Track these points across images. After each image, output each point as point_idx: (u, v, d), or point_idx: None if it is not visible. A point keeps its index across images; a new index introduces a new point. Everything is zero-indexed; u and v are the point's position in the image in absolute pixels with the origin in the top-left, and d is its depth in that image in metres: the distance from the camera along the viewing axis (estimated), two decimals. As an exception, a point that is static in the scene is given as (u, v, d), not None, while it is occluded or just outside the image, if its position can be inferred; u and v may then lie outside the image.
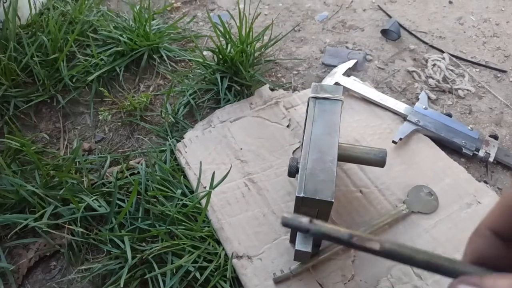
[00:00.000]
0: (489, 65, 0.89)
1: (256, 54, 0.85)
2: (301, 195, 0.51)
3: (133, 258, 0.60)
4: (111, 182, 0.71)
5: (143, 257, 0.59)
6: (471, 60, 0.90)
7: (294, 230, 0.58)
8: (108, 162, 0.73)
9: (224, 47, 0.82)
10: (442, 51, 0.92)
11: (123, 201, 0.68)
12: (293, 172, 0.58)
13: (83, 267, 0.62)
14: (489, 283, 0.23)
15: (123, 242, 0.62)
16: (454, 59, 0.91)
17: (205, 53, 0.90)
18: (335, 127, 0.58)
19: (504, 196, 0.27)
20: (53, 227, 0.66)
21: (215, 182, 0.68)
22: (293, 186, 0.70)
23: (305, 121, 0.67)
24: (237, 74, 0.82)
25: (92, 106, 0.85)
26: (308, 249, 0.55)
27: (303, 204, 0.52)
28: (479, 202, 0.66)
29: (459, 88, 0.85)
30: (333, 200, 0.51)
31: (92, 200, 0.67)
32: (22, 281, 0.64)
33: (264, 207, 0.68)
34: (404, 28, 0.97)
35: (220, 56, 0.82)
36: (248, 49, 0.81)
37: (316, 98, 0.62)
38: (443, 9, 1.02)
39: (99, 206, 0.67)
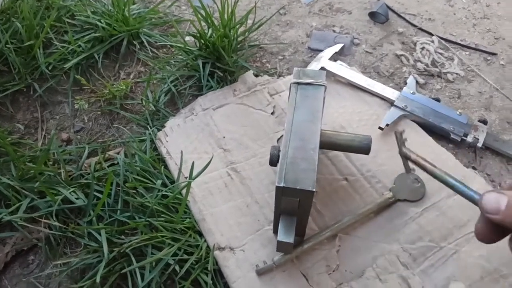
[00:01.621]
0: (479, 47, 0.87)
1: (239, 39, 0.83)
2: (281, 184, 0.49)
3: (111, 251, 0.58)
4: (89, 174, 0.68)
5: (122, 251, 0.57)
6: (461, 43, 0.88)
7: (277, 219, 0.56)
8: (86, 152, 0.71)
9: (206, 32, 0.79)
10: (431, 34, 0.90)
11: (101, 192, 0.66)
12: (274, 161, 0.56)
13: (60, 262, 0.60)
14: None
15: (101, 235, 0.60)
16: (443, 42, 0.88)
17: (187, 38, 0.87)
18: (318, 114, 0.56)
19: None
20: (30, 221, 0.64)
21: (196, 172, 0.66)
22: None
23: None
24: (219, 59, 0.79)
25: (70, 95, 0.82)
26: (291, 240, 0.53)
27: (284, 194, 0.50)
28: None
29: (448, 72, 0.83)
30: (314, 190, 0.49)
31: (70, 192, 0.65)
32: (-2, 277, 0.63)
33: (247, 197, 0.66)
34: (393, 11, 0.95)
35: (202, 42, 0.79)
36: (230, 33, 0.79)
37: (298, 83, 0.60)
38: (433, -10, 0.99)
39: (76, 199, 0.64)
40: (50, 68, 0.83)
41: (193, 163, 0.64)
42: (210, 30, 0.78)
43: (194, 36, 0.79)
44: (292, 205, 0.53)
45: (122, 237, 0.61)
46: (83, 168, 0.70)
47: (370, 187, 0.66)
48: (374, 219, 0.63)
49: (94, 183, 0.65)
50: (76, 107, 0.78)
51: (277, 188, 0.50)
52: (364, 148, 0.60)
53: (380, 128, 0.71)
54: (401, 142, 0.58)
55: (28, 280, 0.62)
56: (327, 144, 0.60)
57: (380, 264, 0.59)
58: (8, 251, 0.64)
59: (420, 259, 0.59)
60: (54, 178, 0.67)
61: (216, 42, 0.75)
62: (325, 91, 0.60)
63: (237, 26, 0.79)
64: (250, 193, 0.66)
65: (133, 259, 0.57)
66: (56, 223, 0.61)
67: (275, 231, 0.61)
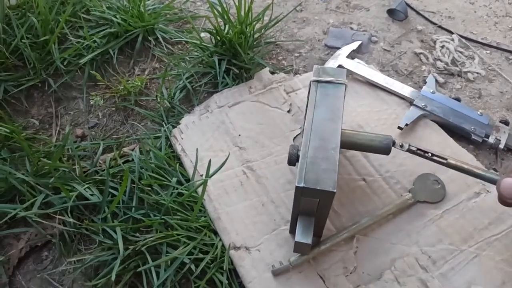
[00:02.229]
0: (501, 46, 0.84)
1: (255, 36, 0.81)
2: (301, 185, 0.48)
3: (126, 249, 0.57)
4: (104, 170, 0.68)
5: (137, 248, 0.57)
6: (482, 42, 0.85)
7: (295, 219, 0.55)
8: (101, 148, 0.70)
9: (222, 28, 0.78)
10: (451, 32, 0.88)
11: (116, 189, 0.66)
12: (293, 160, 0.54)
13: (75, 259, 0.60)
14: None
15: (116, 232, 0.60)
16: (463, 40, 0.86)
17: (202, 34, 0.86)
18: (338, 113, 0.55)
19: None
20: (44, 217, 0.64)
21: (212, 170, 0.65)
22: (294, 174, 0.67)
23: (307, 106, 0.63)
24: (235, 56, 0.78)
25: (85, 91, 0.81)
26: (309, 240, 0.52)
27: (303, 195, 0.49)
28: (488, 191, 0.63)
29: (469, 71, 0.81)
30: (335, 191, 0.48)
31: (84, 189, 0.64)
32: (13, 272, 0.62)
33: (263, 196, 0.65)
34: (412, 8, 0.93)
35: (218, 38, 0.78)
36: (247, 30, 0.77)
37: (318, 81, 0.58)
38: (452, -12, 0.97)
39: (91, 195, 0.64)
40: (65, 63, 0.83)
41: (209, 161, 0.63)
42: (227, 26, 0.77)
43: (210, 32, 0.78)
44: (311, 206, 0.52)
45: (137, 234, 0.60)
46: (98, 164, 0.69)
47: (388, 187, 0.65)
48: (393, 220, 0.62)
49: (109, 179, 0.64)
50: (91, 103, 0.78)
51: (297, 188, 0.48)
52: (384, 148, 0.58)
53: (399, 127, 0.70)
54: None
55: (42, 276, 0.62)
56: (347, 144, 0.59)
57: (399, 266, 0.57)
58: (22, 247, 0.64)
59: (440, 262, 0.57)
60: (68, 174, 0.66)
61: (232, 39, 0.74)
62: (345, 89, 0.58)
63: (254, 23, 0.78)
64: (266, 192, 0.65)
65: (148, 257, 0.56)
66: (71, 219, 0.60)
67: (292, 231, 0.60)
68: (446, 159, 0.58)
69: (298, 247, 0.54)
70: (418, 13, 0.92)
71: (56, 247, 0.63)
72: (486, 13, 0.91)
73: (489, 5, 0.92)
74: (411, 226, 0.61)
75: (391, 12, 0.92)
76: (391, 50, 0.86)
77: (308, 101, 0.61)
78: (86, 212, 0.65)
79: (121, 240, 0.56)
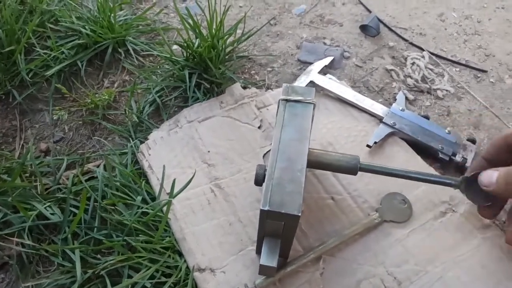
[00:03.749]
0: (469, 64, 0.86)
1: (228, 50, 0.81)
2: (266, 208, 0.47)
3: (85, 272, 0.55)
4: (67, 187, 0.66)
5: (96, 272, 0.55)
6: (451, 59, 0.87)
7: (260, 240, 0.54)
8: (64, 164, 0.68)
9: (194, 41, 0.77)
10: (422, 49, 0.89)
11: (78, 208, 0.64)
12: (260, 180, 0.54)
13: (31, 283, 0.57)
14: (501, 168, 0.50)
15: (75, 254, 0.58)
16: (433, 57, 0.87)
17: (174, 47, 0.85)
18: (306, 133, 0.55)
19: (495, 136, 0.56)
20: (2, 237, 0.62)
21: (179, 187, 0.64)
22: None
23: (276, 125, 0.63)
24: (206, 70, 0.77)
25: (51, 103, 0.79)
26: (274, 263, 0.51)
27: (268, 217, 0.49)
28: (454, 210, 0.64)
29: (438, 89, 0.82)
30: (299, 214, 0.47)
31: (45, 207, 0.62)
32: (-34, 296, 0.60)
33: (231, 215, 0.64)
34: (384, 24, 0.94)
35: (189, 52, 0.77)
36: (219, 44, 0.77)
37: (286, 100, 0.58)
38: (424, 4, 0.98)
39: (52, 214, 0.62)
40: (31, 75, 0.80)
41: (174, 180, 0.62)
42: (197, 40, 0.76)
43: (180, 45, 0.77)
44: (277, 228, 0.51)
45: (98, 256, 0.58)
46: (61, 181, 0.67)
47: (356, 206, 0.65)
48: (360, 240, 0.61)
49: (71, 197, 0.62)
50: (55, 117, 0.75)
51: (262, 211, 0.48)
52: (351, 169, 0.58)
53: (368, 146, 0.70)
54: None
55: (-2, 300, 0.60)
56: (314, 163, 0.58)
57: (365, 288, 0.57)
58: (-22, 268, 0.61)
59: (405, 283, 0.57)
60: (29, 191, 0.64)
61: (203, 53, 0.73)
62: (314, 109, 0.58)
63: (226, 37, 0.77)
64: (233, 211, 0.64)
65: (107, 281, 0.54)
66: (29, 242, 0.58)
67: (258, 251, 0.59)
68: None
69: (264, 270, 0.53)
70: (390, 29, 0.93)
71: (13, 270, 0.60)
72: (456, 30, 0.93)
73: (459, 22, 0.94)
74: (378, 246, 0.61)
75: (363, 28, 0.92)
76: (363, 66, 0.86)
77: (276, 120, 0.61)
78: (47, 232, 0.62)
79: (79, 263, 0.54)
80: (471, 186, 0.55)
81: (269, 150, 0.71)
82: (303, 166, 0.52)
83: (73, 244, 0.58)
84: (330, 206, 0.65)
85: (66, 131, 0.77)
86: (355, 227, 0.61)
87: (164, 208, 0.61)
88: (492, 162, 0.56)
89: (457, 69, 0.86)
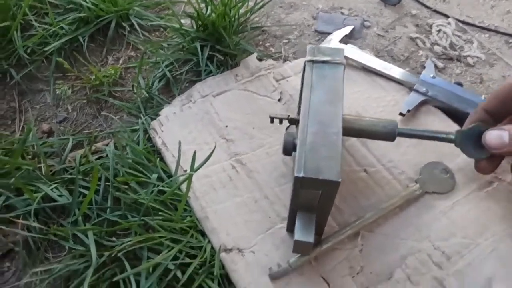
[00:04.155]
0: (499, 30, 0.80)
1: (240, 20, 0.75)
2: (301, 175, 0.41)
3: (101, 256, 0.49)
4: (74, 168, 0.60)
5: (113, 255, 0.49)
6: (479, 25, 0.81)
7: (293, 215, 0.49)
8: (70, 145, 0.62)
9: (204, 11, 0.71)
10: (447, 16, 0.83)
11: (88, 189, 0.58)
12: (289, 149, 0.48)
13: (41, 269, 0.51)
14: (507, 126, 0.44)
15: (88, 237, 0.52)
16: (460, 24, 0.82)
17: (182, 21, 0.79)
18: (338, 95, 0.49)
19: (499, 87, 0.48)
20: (5, 222, 0.56)
21: (197, 164, 0.58)
22: (288, 167, 0.60)
23: (301, 90, 0.57)
24: (219, 41, 0.71)
25: (52, 82, 0.73)
26: (310, 239, 0.46)
27: (303, 186, 0.43)
28: (500, 179, 0.58)
29: (468, 55, 0.77)
30: (339, 180, 0.41)
31: (51, 189, 0.56)
32: (-33, 288, 0.54)
33: (256, 191, 0.58)
34: (404, -8, 0.88)
35: (200, 22, 0.71)
36: (231, 13, 0.71)
37: (313, 61, 0.52)
38: (445, -28, 0.93)
39: (59, 196, 0.56)
40: (28, 52, 0.74)
41: (194, 153, 0.56)
42: (209, 8, 0.70)
43: (191, 16, 0.71)
44: (312, 199, 0.45)
45: (113, 238, 0.53)
46: (67, 162, 0.61)
47: (392, 178, 0.59)
48: (400, 214, 0.56)
49: (79, 178, 0.56)
50: (57, 92, 0.69)
51: (296, 178, 0.42)
52: (389, 134, 0.52)
53: (401, 114, 0.64)
54: None
55: (3, 291, 0.54)
56: (347, 130, 0.53)
57: (410, 264, 0.51)
58: (-21, 258, 0.55)
59: (455, 257, 0.52)
60: (33, 173, 0.58)
61: (216, 21, 0.67)
62: (344, 70, 0.52)
63: (239, 5, 0.71)
64: (258, 188, 0.58)
65: (126, 264, 0.48)
66: (36, 224, 0.52)
67: (290, 229, 0.53)
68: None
69: (298, 247, 0.47)
70: (410, -3, 0.87)
71: (20, 257, 0.54)
72: (481, -4, 0.87)
73: (484, -12, 0.89)
74: (420, 219, 0.55)
75: (383, -4, 0.87)
76: (385, 35, 0.81)
77: (302, 84, 0.55)
78: (54, 216, 0.57)
79: (93, 245, 0.48)
80: (467, 140, 0.49)
81: (291, 125, 0.65)
82: (338, 129, 0.46)
83: (85, 226, 0.52)
84: (364, 179, 0.59)
85: (70, 111, 0.71)
86: (393, 199, 0.56)
87: (183, 186, 0.56)
88: (494, 114, 0.49)
89: (486, 35, 0.80)
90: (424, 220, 0.55)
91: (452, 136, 0.50)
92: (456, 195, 0.57)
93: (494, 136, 0.45)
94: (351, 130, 0.53)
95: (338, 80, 0.51)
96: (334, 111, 0.48)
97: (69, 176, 0.58)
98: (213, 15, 0.70)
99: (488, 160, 0.49)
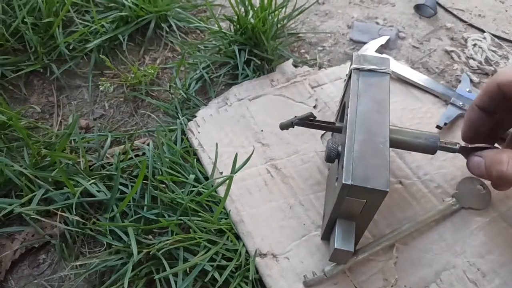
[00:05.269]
0: (536, 47, 0.80)
1: (278, 26, 0.75)
2: (349, 182, 0.42)
3: (138, 253, 0.50)
4: (111, 164, 0.61)
5: (150, 253, 0.50)
6: (516, 41, 0.81)
7: (332, 223, 0.49)
8: (109, 141, 0.63)
9: (244, 15, 0.72)
10: (483, 31, 0.83)
11: (125, 186, 0.59)
12: (333, 156, 0.48)
13: (78, 263, 0.52)
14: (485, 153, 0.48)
15: (126, 234, 0.53)
16: (496, 39, 0.81)
17: (222, 24, 0.79)
18: (385, 104, 0.49)
19: (488, 82, 0.49)
20: (43, 214, 0.57)
21: (232, 166, 0.58)
22: (323, 175, 0.61)
23: (343, 96, 0.57)
24: (257, 46, 0.72)
25: (90, 79, 0.74)
26: (351, 248, 0.46)
27: (349, 194, 0.43)
28: (537, 198, 0.57)
29: (504, 71, 0.76)
30: (387, 190, 0.42)
31: (90, 184, 0.57)
32: (5, 277, 0.55)
33: (290, 197, 0.58)
34: (440, 5, 0.88)
35: (239, 26, 0.72)
36: (270, 18, 0.72)
37: (359, 69, 0.52)
38: (481, -14, 0.92)
39: (98, 191, 0.57)
40: (69, 48, 0.76)
41: (236, 155, 0.56)
42: (250, 13, 0.71)
43: (230, 19, 0.72)
44: (355, 208, 0.45)
45: (150, 237, 0.53)
46: (105, 158, 0.62)
47: (428, 192, 0.59)
48: (435, 228, 0.55)
49: (119, 175, 0.57)
50: (101, 89, 0.71)
51: (344, 186, 0.42)
52: (431, 147, 0.52)
53: (438, 127, 0.64)
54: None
55: (38, 283, 0.55)
56: (391, 140, 0.53)
57: (445, 279, 0.51)
58: (17, 248, 0.56)
59: (491, 275, 0.51)
60: (72, 167, 0.59)
61: (256, 25, 0.68)
62: (389, 79, 0.52)
63: (278, 10, 0.72)
64: (293, 194, 0.59)
65: (165, 263, 0.49)
66: (76, 217, 0.53)
67: (325, 237, 0.53)
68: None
69: (337, 256, 0.47)
70: (446, 10, 0.87)
71: (56, 249, 0.55)
72: (518, 12, 0.86)
73: (521, 4, 0.88)
74: (456, 234, 0.55)
75: (418, 8, 0.87)
76: (420, 47, 0.81)
77: (345, 91, 0.55)
78: (91, 211, 0.58)
79: (134, 241, 0.49)
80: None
81: (327, 131, 0.66)
82: (386, 139, 0.46)
83: (123, 222, 0.53)
84: (399, 191, 0.59)
85: (107, 108, 0.72)
86: (430, 213, 0.55)
87: (220, 188, 0.56)
88: (486, 110, 0.51)
89: (522, 52, 0.79)
90: (460, 236, 0.54)
91: (457, 150, 0.52)
92: (492, 212, 0.56)
93: (474, 164, 0.49)
94: (394, 141, 0.53)
95: (384, 89, 0.51)
96: (381, 120, 0.48)
97: (107, 172, 0.59)
98: (252, 19, 0.70)
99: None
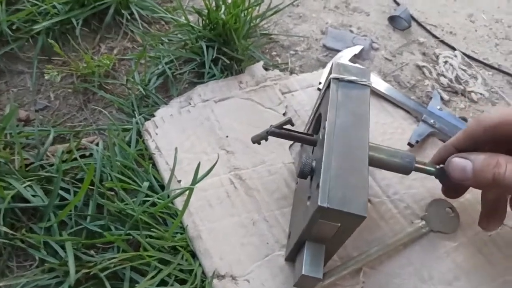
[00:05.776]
0: (502, 69, 0.80)
1: (251, 24, 0.70)
2: (325, 205, 0.37)
3: (77, 272, 0.43)
4: (52, 165, 0.53)
5: (91, 272, 0.43)
6: (484, 62, 0.81)
7: (299, 245, 0.45)
8: (51, 137, 0.55)
9: (215, 9, 0.66)
10: (454, 48, 0.82)
11: (67, 191, 0.51)
12: (306, 172, 0.44)
13: (3, 283, 0.44)
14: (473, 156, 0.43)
15: (63, 248, 0.45)
16: (466, 58, 0.81)
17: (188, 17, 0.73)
18: (365, 118, 0.45)
19: (470, 126, 0.47)
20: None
21: (193, 176, 0.53)
22: (290, 188, 0.56)
23: (317, 105, 0.53)
24: (227, 44, 0.66)
25: (35, 65, 0.66)
26: (319, 274, 0.42)
27: (323, 217, 0.39)
28: (503, 224, 0.56)
29: (472, 91, 0.76)
30: (365, 215, 0.38)
31: (25, 187, 0.49)
32: None
33: (254, 212, 0.54)
34: (413, 18, 0.87)
35: (208, 21, 0.66)
36: (243, 16, 0.66)
37: (338, 79, 0.48)
38: (453, 3, 0.92)
39: (33, 196, 0.49)
40: (13, 29, 0.66)
41: (198, 164, 0.51)
42: (222, 7, 0.65)
43: (199, 12, 0.66)
44: (328, 231, 0.41)
45: (92, 252, 0.46)
46: (45, 157, 0.54)
47: (397, 212, 0.56)
48: (404, 252, 0.53)
49: (57, 177, 0.50)
50: (46, 77, 0.62)
51: (319, 208, 0.38)
52: (406, 167, 0.50)
53: (409, 144, 0.62)
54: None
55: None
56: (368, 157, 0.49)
57: (412, 306, 0.48)
58: None
59: (457, 304, 0.49)
60: (4, 166, 0.51)
61: (228, 21, 0.63)
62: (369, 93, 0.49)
63: (251, 8, 0.67)
64: (257, 208, 0.54)
65: (107, 285, 0.42)
66: (2, 228, 0.45)
67: (290, 259, 0.49)
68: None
69: (303, 282, 0.43)
70: (419, 24, 0.86)
71: (-23, 263, 0.47)
72: (486, 33, 0.87)
73: (489, 25, 0.89)
74: (424, 259, 0.52)
75: (392, 20, 0.85)
76: (392, 59, 0.79)
77: (321, 101, 0.51)
78: (24, 218, 0.50)
79: (72, 258, 0.42)
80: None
81: (294, 142, 0.61)
82: (365, 156, 0.42)
83: (60, 234, 0.46)
84: (368, 210, 0.56)
85: (52, 99, 0.64)
86: (399, 235, 0.53)
87: (177, 199, 0.50)
88: (463, 150, 0.48)
89: (490, 73, 0.80)
90: (428, 260, 0.52)
91: (434, 172, 0.50)
92: (460, 236, 0.55)
93: (457, 167, 0.44)
94: (370, 158, 0.50)
95: (364, 102, 0.48)
96: (360, 135, 0.44)
97: (46, 174, 0.52)
98: (224, 15, 0.65)
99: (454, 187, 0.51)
